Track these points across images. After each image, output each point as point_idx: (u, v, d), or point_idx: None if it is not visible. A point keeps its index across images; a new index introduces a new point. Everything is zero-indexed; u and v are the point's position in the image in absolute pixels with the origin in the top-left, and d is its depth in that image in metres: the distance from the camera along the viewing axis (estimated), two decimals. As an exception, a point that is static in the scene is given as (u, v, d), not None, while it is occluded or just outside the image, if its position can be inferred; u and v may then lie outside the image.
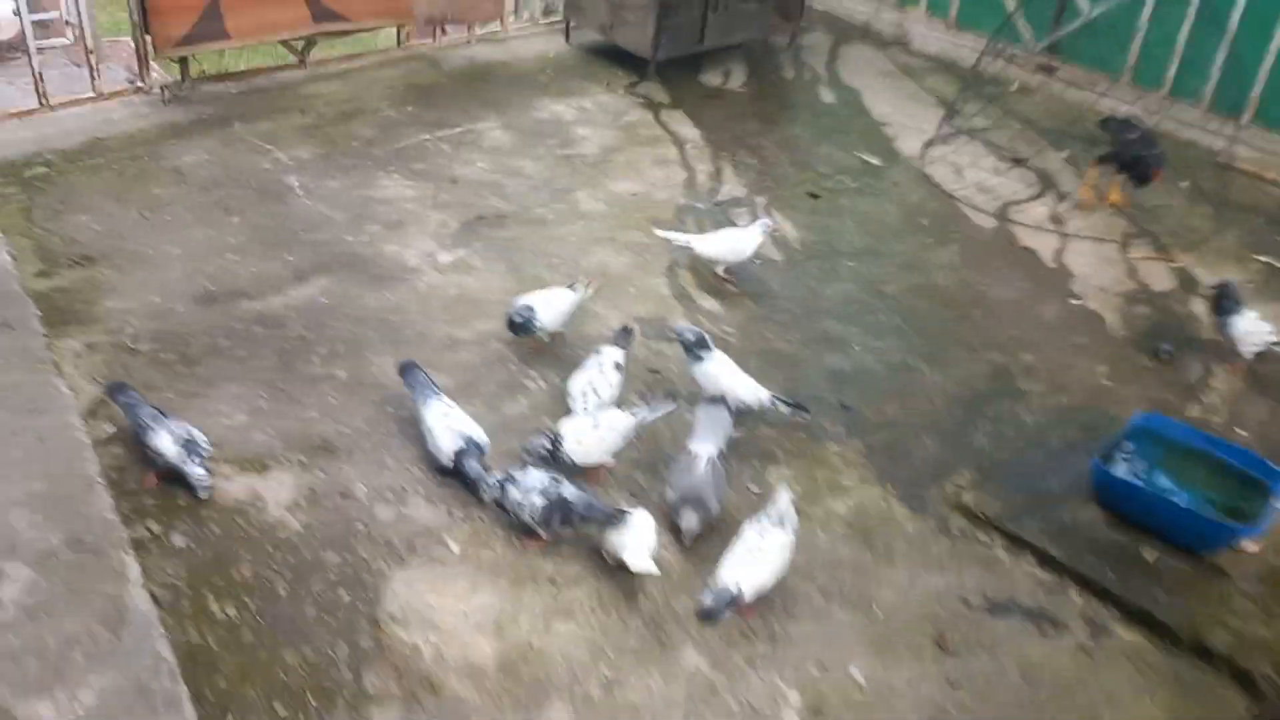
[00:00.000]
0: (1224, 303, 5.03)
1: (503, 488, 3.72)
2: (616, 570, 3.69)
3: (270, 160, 6.21)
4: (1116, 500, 4.06)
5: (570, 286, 4.86)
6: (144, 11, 6.23)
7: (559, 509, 3.65)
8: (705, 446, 3.90)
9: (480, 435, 3.99)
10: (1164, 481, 4.17)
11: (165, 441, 3.79)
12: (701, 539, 3.82)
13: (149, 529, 3.69)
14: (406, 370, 4.23)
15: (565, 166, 6.51)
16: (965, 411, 4.69)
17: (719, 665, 3.44)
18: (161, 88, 6.68)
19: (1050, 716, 3.39)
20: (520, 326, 4.64)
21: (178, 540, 3.67)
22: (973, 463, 4.38)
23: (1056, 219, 6.40)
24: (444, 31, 7.87)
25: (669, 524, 3.86)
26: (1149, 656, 3.61)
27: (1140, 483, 4.11)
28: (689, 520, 3.72)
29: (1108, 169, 6.41)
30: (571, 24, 8.31)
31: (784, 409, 4.37)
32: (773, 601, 3.65)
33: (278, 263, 5.29)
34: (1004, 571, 3.90)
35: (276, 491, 3.92)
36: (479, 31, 8.05)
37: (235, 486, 3.93)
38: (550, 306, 4.71)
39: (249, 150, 6.30)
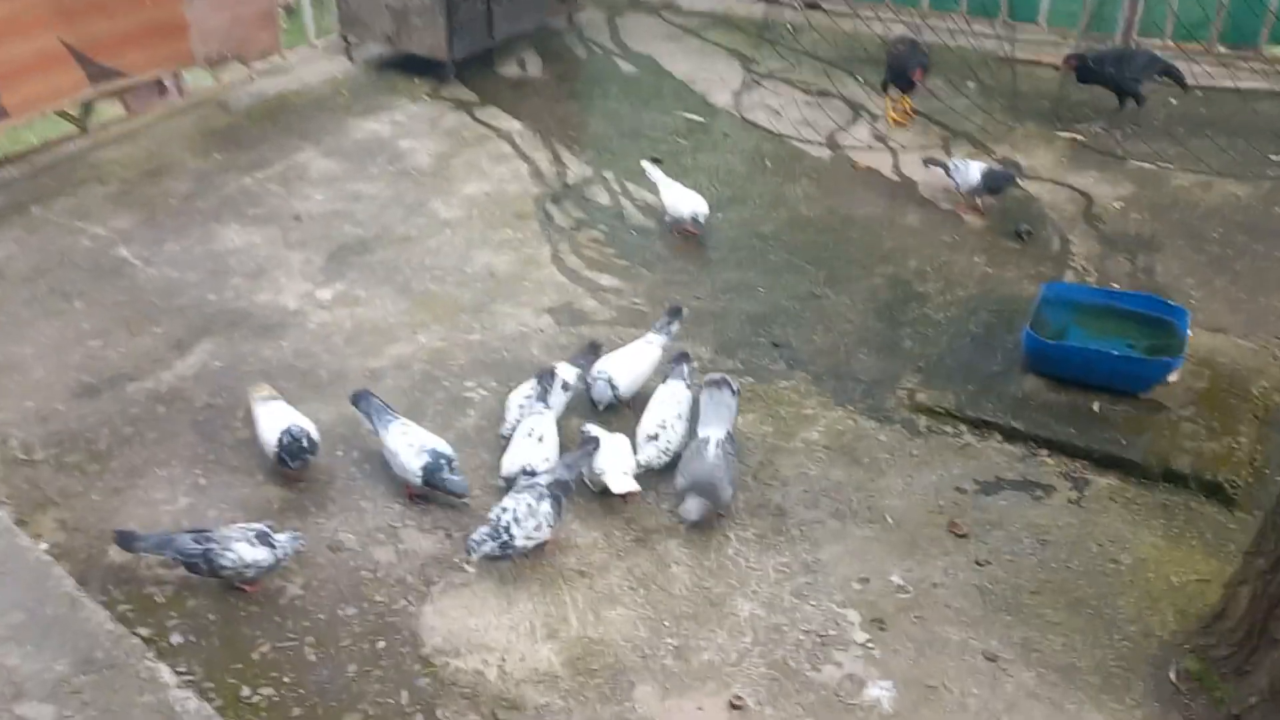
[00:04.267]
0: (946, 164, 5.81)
1: (509, 531, 3.48)
2: (635, 546, 3.70)
3: (89, 237, 5.70)
4: (1052, 364, 4.37)
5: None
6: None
7: (563, 492, 3.60)
8: (713, 430, 3.85)
9: (444, 447, 3.85)
10: (1080, 340, 4.51)
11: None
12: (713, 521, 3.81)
13: (139, 635, 3.37)
14: (360, 399, 4.04)
15: (406, 181, 6.32)
16: (883, 322, 4.93)
17: (772, 606, 3.49)
18: (-64, 186, 6.02)
19: (1075, 568, 3.64)
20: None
21: (176, 639, 3.37)
22: (911, 365, 4.62)
23: (880, 137, 6.78)
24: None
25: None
26: (1129, 494, 3.94)
27: (1074, 344, 4.42)
28: (689, 507, 3.67)
29: (895, 89, 6.84)
30: (352, 40, 8.04)
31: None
32: (794, 535, 3.75)
33: (148, 338, 4.89)
34: (979, 453, 4.15)
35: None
36: (259, 66, 7.66)
37: (213, 568, 3.63)
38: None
39: (61, 231, 5.75)
